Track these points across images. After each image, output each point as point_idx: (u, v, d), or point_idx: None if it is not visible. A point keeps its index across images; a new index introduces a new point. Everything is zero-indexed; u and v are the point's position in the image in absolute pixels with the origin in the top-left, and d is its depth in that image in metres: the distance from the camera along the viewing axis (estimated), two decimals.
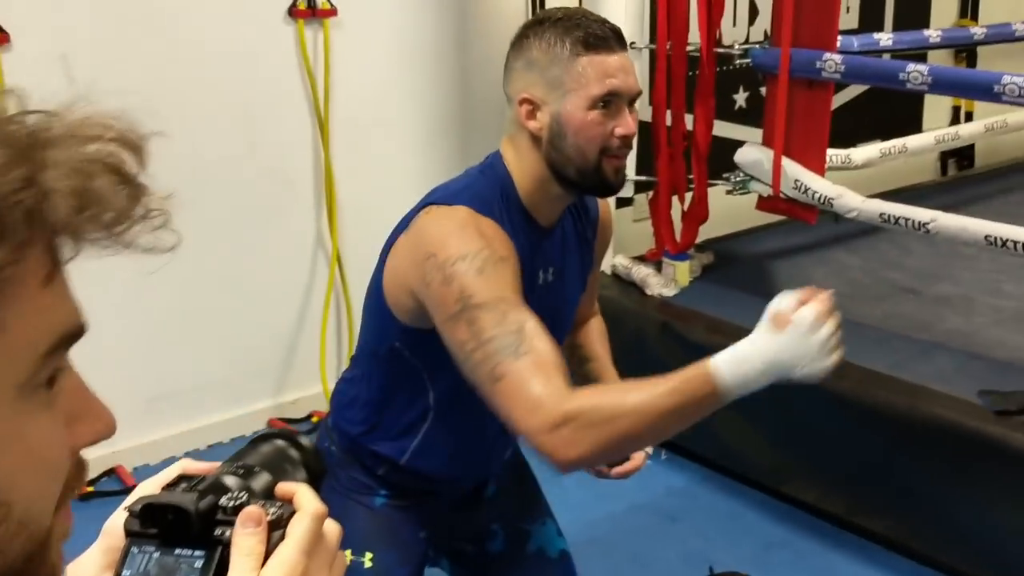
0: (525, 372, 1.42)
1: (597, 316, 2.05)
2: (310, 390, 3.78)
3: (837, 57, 3.19)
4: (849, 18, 4.82)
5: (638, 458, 1.83)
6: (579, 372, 2.01)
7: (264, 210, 3.57)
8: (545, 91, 1.59)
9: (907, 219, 3.09)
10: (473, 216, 1.55)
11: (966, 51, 5.22)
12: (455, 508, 1.86)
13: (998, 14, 5.03)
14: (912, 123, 5.09)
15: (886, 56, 3.94)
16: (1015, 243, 2.85)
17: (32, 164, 0.51)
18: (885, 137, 4.12)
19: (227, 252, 3.52)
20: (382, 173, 3.78)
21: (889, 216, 3.14)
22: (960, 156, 5.47)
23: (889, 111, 4.82)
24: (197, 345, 3.53)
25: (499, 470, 1.91)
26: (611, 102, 1.58)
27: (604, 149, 1.59)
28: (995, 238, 2.90)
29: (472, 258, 1.49)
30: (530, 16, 3.99)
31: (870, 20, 4.87)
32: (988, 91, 2.86)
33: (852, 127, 4.42)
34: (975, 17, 5.34)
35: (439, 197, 1.63)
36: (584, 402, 1.41)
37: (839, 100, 4.72)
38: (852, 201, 3.25)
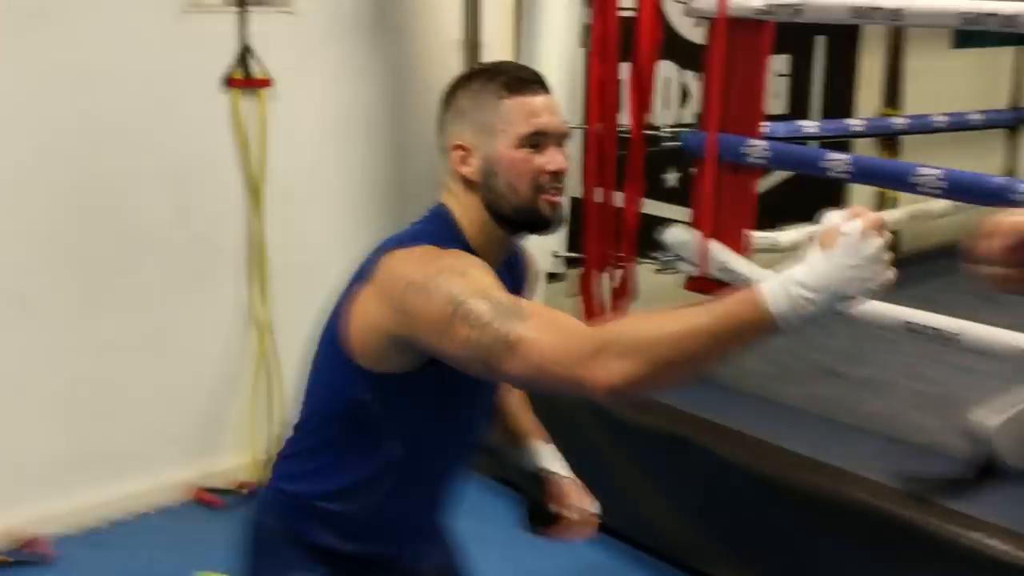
0: (539, 326, 1.41)
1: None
2: (238, 460, 3.71)
3: (762, 143, 3.27)
4: (778, 103, 4.95)
5: (588, 525, 1.85)
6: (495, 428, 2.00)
7: (192, 277, 3.54)
8: (475, 136, 1.63)
9: None
10: (437, 248, 1.58)
11: (891, 140, 5.38)
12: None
13: (921, 105, 5.20)
14: (838, 207, 5.21)
15: (813, 143, 4.05)
16: (934, 329, 2.92)
17: None
18: (813, 220, 4.20)
19: (154, 318, 3.47)
20: (315, 243, 3.77)
21: None
22: None
23: (816, 195, 4.93)
24: (122, 412, 3.47)
25: (440, 541, 1.91)
26: (539, 141, 1.61)
27: (537, 187, 1.62)
28: (915, 324, 2.96)
29: (450, 270, 1.50)
30: None
31: (798, 107, 5.01)
32: (904, 182, 2.95)
33: (781, 209, 4.51)
34: (898, 107, 5.51)
35: (395, 244, 1.63)
36: (617, 329, 1.39)
37: (769, 182, 4.83)
38: None
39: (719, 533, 3.11)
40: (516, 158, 1.61)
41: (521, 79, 1.63)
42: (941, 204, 4.49)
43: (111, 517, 3.47)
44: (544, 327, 1.41)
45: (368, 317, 1.60)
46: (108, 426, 3.45)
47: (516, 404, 2.02)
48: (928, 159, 3.18)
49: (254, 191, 3.57)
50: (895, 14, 2.99)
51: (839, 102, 5.19)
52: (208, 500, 3.61)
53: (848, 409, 3.30)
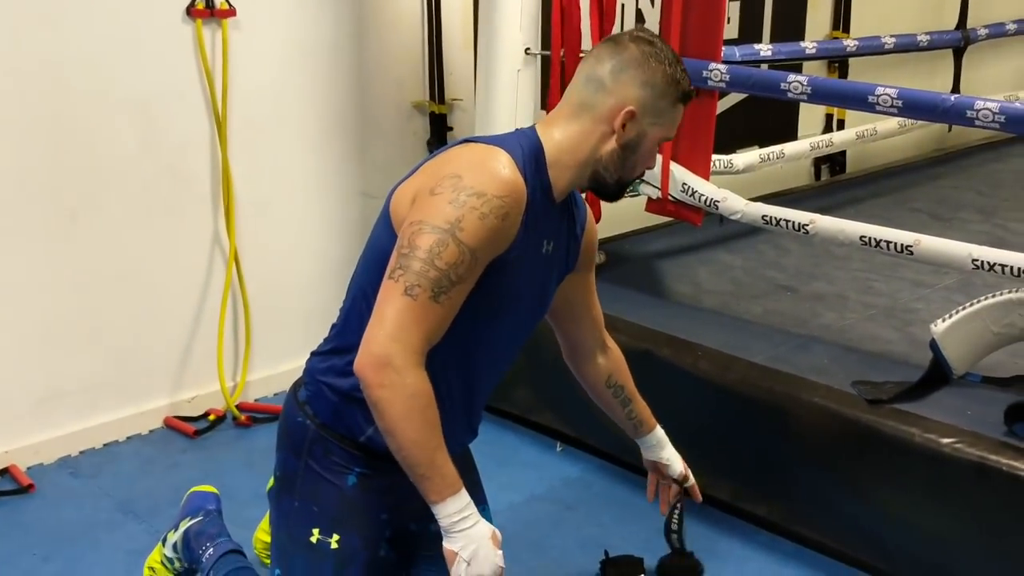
0: (428, 314, 1.66)
1: (615, 345, 2.37)
2: (207, 388, 3.78)
3: (722, 67, 3.35)
4: (730, 28, 5.02)
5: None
6: (621, 413, 2.37)
7: (160, 209, 3.56)
8: (644, 112, 1.85)
9: (787, 220, 3.27)
10: (504, 163, 1.73)
11: (838, 62, 5.49)
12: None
13: (868, 27, 5.31)
14: (788, 130, 5.34)
15: (765, 66, 4.14)
16: (888, 243, 3.05)
17: None
18: (763, 143, 4.33)
19: (122, 250, 3.50)
20: (280, 172, 3.80)
21: (771, 218, 3.32)
22: (832, 162, 5.74)
23: (766, 118, 5.05)
24: (91, 343, 3.50)
25: (468, 440, 2.06)
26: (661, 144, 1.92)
27: (641, 174, 1.97)
28: (870, 238, 3.09)
29: (487, 200, 1.67)
30: (425, 15, 4.06)
31: (749, 30, 5.09)
32: (863, 101, 3.05)
33: (732, 133, 4.61)
34: (847, 30, 5.61)
35: (475, 140, 1.82)
36: (416, 386, 1.65)
37: (719, 107, 4.92)
38: (736, 204, 3.41)
39: (683, 442, 3.23)
40: (653, 151, 1.91)
41: (691, 94, 1.91)
42: (887, 125, 4.62)
43: (85, 446, 3.53)
44: (430, 319, 1.66)
45: (413, 184, 1.76)
46: (80, 358, 3.49)
47: (628, 375, 2.39)
48: (875, 80, 3.28)
49: (219, 121, 3.58)
50: None
51: (789, 25, 5.28)
52: (179, 427, 3.68)
53: (803, 322, 3.44)
